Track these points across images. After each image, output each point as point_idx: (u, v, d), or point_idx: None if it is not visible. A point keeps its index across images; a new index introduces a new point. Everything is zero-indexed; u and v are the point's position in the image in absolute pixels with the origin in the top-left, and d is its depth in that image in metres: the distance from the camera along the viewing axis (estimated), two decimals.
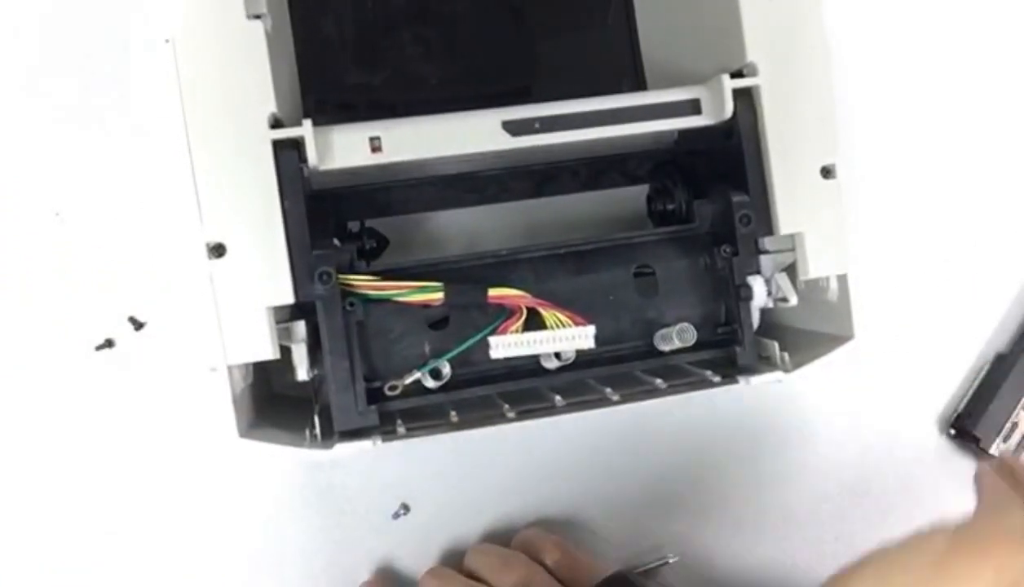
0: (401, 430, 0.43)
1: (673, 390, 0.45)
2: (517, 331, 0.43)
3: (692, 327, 0.45)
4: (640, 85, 0.55)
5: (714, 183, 0.48)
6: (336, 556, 0.54)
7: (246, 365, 0.43)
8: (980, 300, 0.62)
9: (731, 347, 0.46)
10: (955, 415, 0.61)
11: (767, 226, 0.45)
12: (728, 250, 0.46)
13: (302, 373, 0.43)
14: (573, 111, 0.45)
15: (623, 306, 0.46)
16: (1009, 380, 0.60)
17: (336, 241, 0.45)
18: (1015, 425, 0.59)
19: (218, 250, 0.41)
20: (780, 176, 0.45)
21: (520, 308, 0.43)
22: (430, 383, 0.44)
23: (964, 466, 0.61)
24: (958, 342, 0.61)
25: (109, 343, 0.52)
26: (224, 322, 0.41)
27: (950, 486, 0.61)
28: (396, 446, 0.43)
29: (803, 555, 0.59)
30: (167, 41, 0.40)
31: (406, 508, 0.55)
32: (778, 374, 0.46)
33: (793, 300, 0.46)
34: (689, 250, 0.47)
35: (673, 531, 0.58)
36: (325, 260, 0.42)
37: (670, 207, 0.52)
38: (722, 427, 0.58)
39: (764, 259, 0.47)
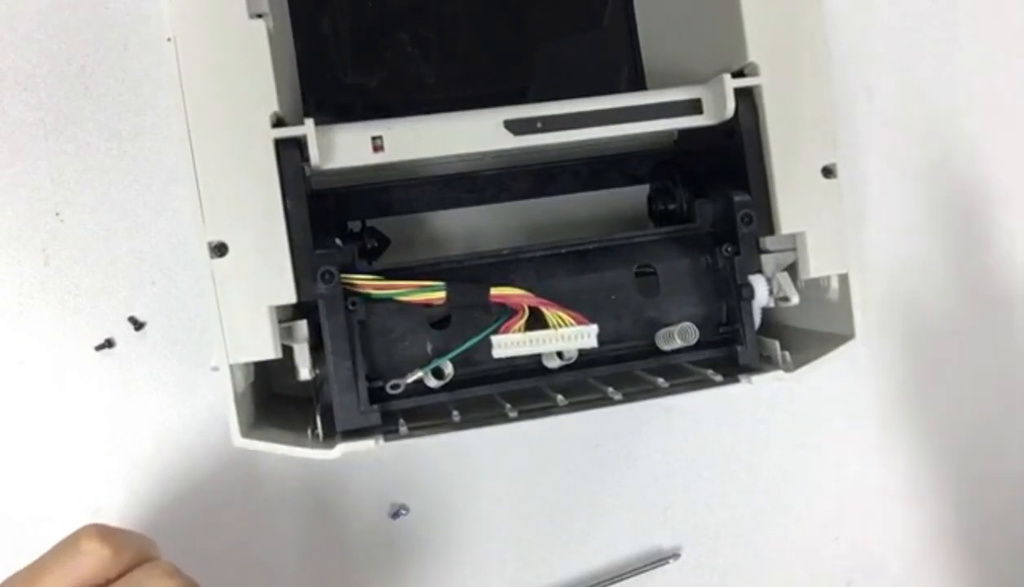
0: (403, 430, 0.43)
1: (675, 389, 0.45)
2: (519, 330, 0.43)
3: (693, 326, 0.45)
4: (639, 85, 0.55)
5: (715, 183, 0.48)
6: (336, 556, 0.54)
7: (248, 365, 0.43)
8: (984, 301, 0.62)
9: (732, 346, 0.46)
10: None
11: (768, 225, 0.45)
12: (729, 249, 0.46)
13: (304, 373, 0.43)
14: (575, 110, 0.45)
15: (624, 305, 0.46)
16: None
17: (338, 241, 0.45)
18: None
19: (220, 249, 0.41)
20: (781, 175, 0.45)
21: (522, 307, 0.43)
22: (432, 382, 0.44)
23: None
24: (959, 342, 0.62)
25: (109, 343, 0.52)
26: (226, 321, 0.40)
27: None
28: (397, 446, 0.43)
29: (803, 555, 0.59)
30: (169, 40, 0.40)
31: (406, 508, 0.55)
32: (779, 373, 0.46)
33: (794, 299, 0.46)
34: (690, 250, 0.47)
35: (673, 531, 0.58)
36: (327, 259, 0.41)
37: (671, 207, 0.52)
38: (722, 426, 0.58)
39: (765, 258, 0.47)
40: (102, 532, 0.39)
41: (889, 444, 0.60)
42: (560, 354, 0.45)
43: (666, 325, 0.46)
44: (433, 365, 0.44)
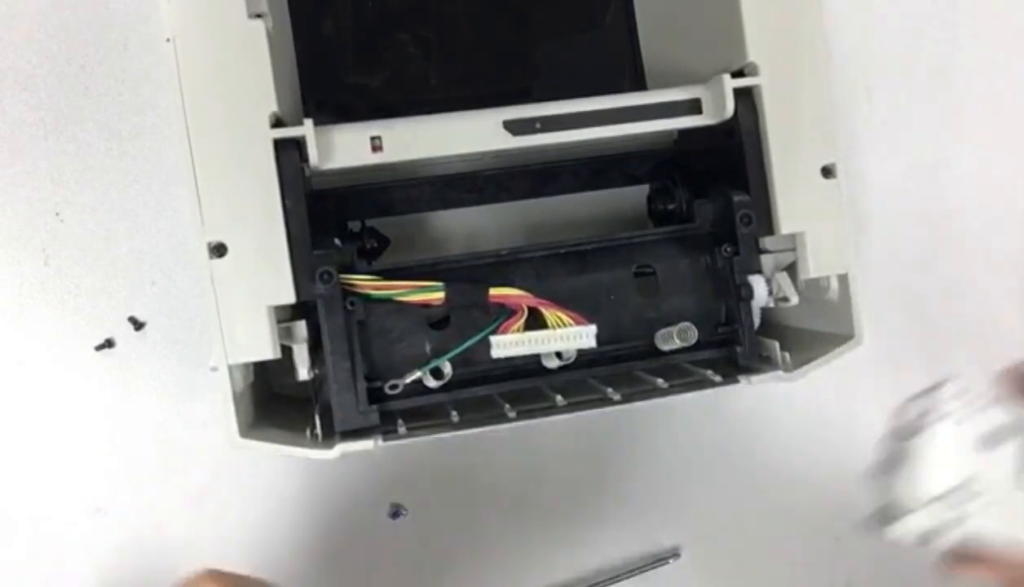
0: (402, 430, 0.43)
1: (674, 390, 0.45)
2: (518, 330, 0.43)
3: (693, 327, 0.45)
4: (640, 85, 0.55)
5: (714, 183, 0.48)
6: (336, 556, 0.54)
7: (247, 365, 0.43)
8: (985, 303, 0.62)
9: (732, 347, 0.46)
10: None
11: (768, 225, 0.45)
12: (729, 249, 0.46)
13: (303, 373, 0.43)
14: (574, 111, 0.45)
15: (624, 306, 0.46)
16: None
17: (337, 241, 0.45)
18: None
19: (219, 250, 0.41)
20: (781, 175, 0.45)
21: (521, 307, 0.43)
22: (431, 383, 0.44)
23: None
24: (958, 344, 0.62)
25: (109, 343, 0.52)
26: (225, 322, 0.40)
27: None
28: (397, 446, 0.43)
29: (803, 555, 0.59)
30: (168, 40, 0.40)
31: (405, 509, 0.55)
32: (779, 374, 0.46)
33: (794, 299, 0.46)
34: (690, 250, 0.47)
35: (674, 531, 0.58)
36: (326, 260, 0.42)
37: (670, 207, 0.52)
38: (722, 427, 0.58)
39: (765, 258, 0.47)
40: (219, 578, 0.39)
41: None
42: (559, 354, 0.45)
43: (665, 325, 0.46)
44: (432, 365, 0.44)
